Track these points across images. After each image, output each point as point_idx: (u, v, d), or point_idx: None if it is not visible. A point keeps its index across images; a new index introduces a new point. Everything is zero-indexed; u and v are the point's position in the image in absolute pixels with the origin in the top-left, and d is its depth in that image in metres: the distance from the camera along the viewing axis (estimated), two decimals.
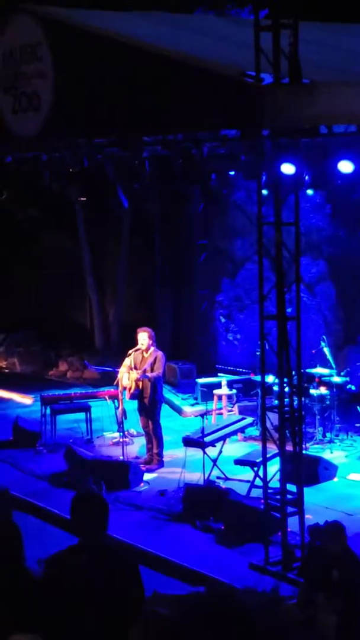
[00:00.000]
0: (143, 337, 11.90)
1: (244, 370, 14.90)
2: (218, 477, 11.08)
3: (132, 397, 11.96)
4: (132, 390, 11.85)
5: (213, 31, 10.83)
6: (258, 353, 10.17)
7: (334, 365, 12.76)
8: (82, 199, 13.94)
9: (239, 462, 10.86)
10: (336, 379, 12.47)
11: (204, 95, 8.76)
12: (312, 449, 11.85)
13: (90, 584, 4.26)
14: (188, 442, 11.32)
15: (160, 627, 3.97)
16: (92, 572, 4.28)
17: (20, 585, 4.02)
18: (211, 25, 11.75)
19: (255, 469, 10.34)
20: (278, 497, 8.87)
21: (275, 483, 9.01)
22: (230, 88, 8.41)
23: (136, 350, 11.94)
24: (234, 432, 12.08)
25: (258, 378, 12.05)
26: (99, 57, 10.02)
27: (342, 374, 12.73)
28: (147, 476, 11.51)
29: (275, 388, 9.68)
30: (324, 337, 13.23)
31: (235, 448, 11.87)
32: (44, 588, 4.34)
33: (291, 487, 8.88)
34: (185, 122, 9.39)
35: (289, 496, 8.84)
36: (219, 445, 11.37)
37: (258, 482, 9.98)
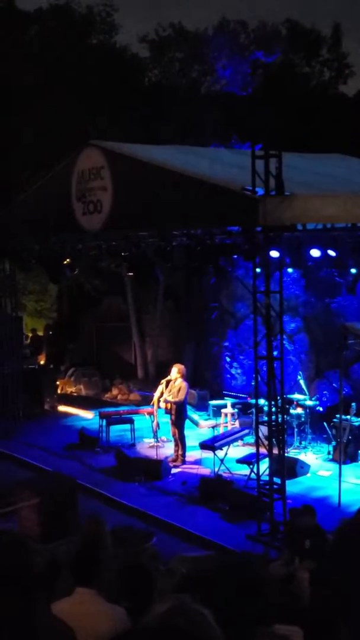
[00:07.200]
0: (174, 371, 11.85)
1: (243, 395, 14.80)
2: (224, 472, 10.97)
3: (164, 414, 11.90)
4: (164, 409, 11.81)
5: (223, 159, 11.00)
6: (253, 383, 10.14)
7: (307, 393, 12.64)
8: (130, 273, 14.03)
9: (239, 461, 10.76)
10: (309, 403, 12.34)
11: (216, 203, 8.88)
12: (291, 453, 11.71)
13: None
14: (203, 446, 11.23)
15: (181, 581, 3.91)
16: None
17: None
18: (221, 155, 11.92)
19: (251, 466, 10.24)
20: (267, 487, 8.78)
21: (265, 477, 8.93)
22: (234, 198, 8.53)
23: (167, 380, 11.92)
24: (236, 440, 11.96)
25: (253, 401, 11.99)
26: (143, 176, 10.20)
27: (313, 399, 12.60)
28: (173, 470, 11.42)
29: (265, 408, 9.63)
30: (300, 372, 13.16)
31: (236, 451, 11.75)
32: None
33: (276, 480, 8.79)
34: (203, 221, 9.51)
35: (275, 486, 8.75)
36: (225, 448, 11.28)
37: (253, 476, 9.88)
